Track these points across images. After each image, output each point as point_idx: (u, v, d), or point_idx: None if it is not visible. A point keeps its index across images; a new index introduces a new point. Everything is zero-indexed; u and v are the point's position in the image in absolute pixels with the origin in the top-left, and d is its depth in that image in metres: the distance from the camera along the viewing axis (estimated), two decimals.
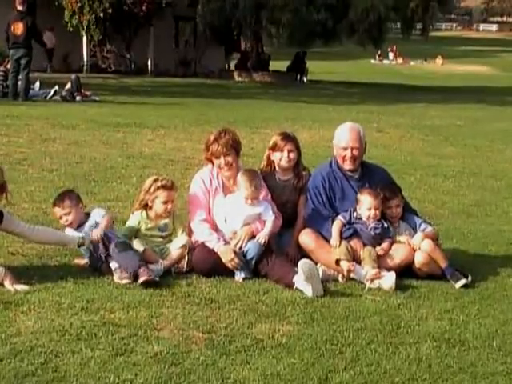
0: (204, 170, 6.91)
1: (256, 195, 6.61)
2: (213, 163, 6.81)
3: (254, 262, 6.43)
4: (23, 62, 20.60)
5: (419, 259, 6.53)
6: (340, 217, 6.68)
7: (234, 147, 6.78)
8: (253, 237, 6.54)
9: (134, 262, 6.14)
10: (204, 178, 6.80)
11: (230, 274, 6.40)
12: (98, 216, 6.58)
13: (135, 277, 6.06)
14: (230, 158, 6.72)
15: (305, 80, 40.71)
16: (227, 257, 6.41)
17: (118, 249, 6.21)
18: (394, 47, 64.62)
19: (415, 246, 6.59)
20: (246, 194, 6.56)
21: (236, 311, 5.55)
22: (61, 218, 6.60)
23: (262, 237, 6.51)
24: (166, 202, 6.58)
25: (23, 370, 4.38)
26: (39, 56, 29.38)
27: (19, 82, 20.75)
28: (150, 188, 6.63)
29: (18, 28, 20.45)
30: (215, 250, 6.46)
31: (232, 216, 6.59)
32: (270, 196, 6.83)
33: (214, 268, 6.38)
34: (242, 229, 6.56)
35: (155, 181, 6.67)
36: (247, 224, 6.58)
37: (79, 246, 6.39)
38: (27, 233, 6.33)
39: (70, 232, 6.57)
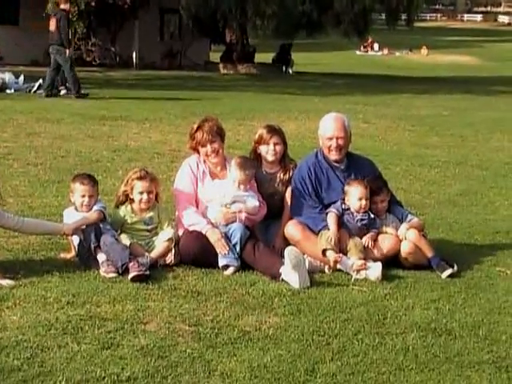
0: (191, 157, 6.94)
1: (247, 182, 6.64)
2: (198, 152, 6.83)
3: (239, 247, 6.43)
4: (59, 59, 20.55)
5: (405, 249, 6.54)
6: (333, 209, 6.67)
7: (219, 133, 6.83)
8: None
9: (124, 255, 6.16)
10: (191, 164, 6.83)
11: (217, 262, 6.39)
12: (94, 208, 6.55)
13: (125, 270, 6.05)
14: (216, 145, 6.76)
15: (290, 71, 40.62)
16: (214, 237, 6.44)
17: (110, 240, 6.23)
18: (370, 40, 63.74)
19: (401, 236, 6.60)
20: (239, 178, 6.59)
21: (222, 303, 5.55)
22: (84, 196, 6.52)
23: (243, 215, 6.58)
24: (141, 193, 6.59)
25: (9, 365, 4.37)
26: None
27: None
28: (127, 180, 6.66)
29: (52, 24, 20.68)
30: (203, 232, 6.48)
31: (220, 196, 6.62)
32: (255, 187, 6.85)
33: (201, 253, 6.40)
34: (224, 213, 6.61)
35: (133, 173, 6.71)
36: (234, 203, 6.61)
37: (72, 234, 6.40)
38: (17, 226, 6.37)
39: (71, 214, 6.55)
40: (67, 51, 20.44)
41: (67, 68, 20.60)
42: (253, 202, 6.66)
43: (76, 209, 6.59)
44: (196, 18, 36.93)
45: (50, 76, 20.81)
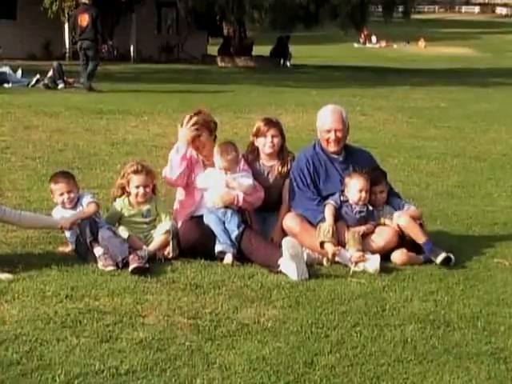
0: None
1: (232, 166, 6.65)
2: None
3: (235, 240, 6.43)
4: (90, 53, 21.08)
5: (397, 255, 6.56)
6: (331, 201, 6.66)
7: (206, 126, 6.83)
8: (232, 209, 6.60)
9: (123, 249, 6.17)
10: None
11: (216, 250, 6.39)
12: (86, 201, 6.55)
13: (125, 263, 6.05)
14: (203, 138, 6.79)
15: (288, 64, 40.58)
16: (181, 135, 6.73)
17: (108, 234, 6.22)
18: (365, 32, 63.64)
19: (394, 223, 6.59)
20: (221, 166, 6.63)
21: (221, 296, 5.55)
22: (62, 194, 6.52)
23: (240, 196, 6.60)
24: (137, 187, 6.60)
25: (8, 359, 4.38)
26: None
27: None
28: (124, 174, 6.69)
29: (84, 20, 21.03)
30: (180, 152, 6.68)
31: (214, 185, 6.63)
32: (248, 168, 6.86)
33: (200, 241, 6.43)
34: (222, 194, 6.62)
35: (129, 167, 6.73)
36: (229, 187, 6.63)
37: (70, 228, 6.40)
38: (15, 219, 6.37)
39: (59, 212, 6.54)
40: (106, 46, 21.04)
41: (95, 63, 21.15)
42: (246, 180, 6.67)
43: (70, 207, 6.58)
44: (193, 12, 36.87)
45: (83, 71, 21.18)
